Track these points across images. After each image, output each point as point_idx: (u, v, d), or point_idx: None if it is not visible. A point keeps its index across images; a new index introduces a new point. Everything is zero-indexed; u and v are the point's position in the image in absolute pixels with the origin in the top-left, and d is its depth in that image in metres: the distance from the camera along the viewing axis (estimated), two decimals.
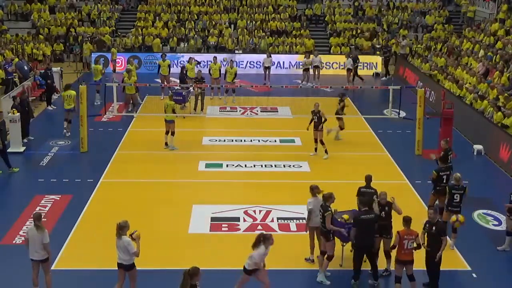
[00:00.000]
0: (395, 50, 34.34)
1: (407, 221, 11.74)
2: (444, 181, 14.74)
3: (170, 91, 25.08)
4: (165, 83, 26.97)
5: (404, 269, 11.79)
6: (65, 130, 21.93)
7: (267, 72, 30.26)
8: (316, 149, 19.77)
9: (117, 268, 11.40)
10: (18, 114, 19.95)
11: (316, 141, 19.65)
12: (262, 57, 32.28)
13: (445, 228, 12.05)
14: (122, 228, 11.15)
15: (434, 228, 11.88)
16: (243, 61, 33.27)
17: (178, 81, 26.86)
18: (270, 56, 30.85)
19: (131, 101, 24.77)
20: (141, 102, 26.42)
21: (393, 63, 33.81)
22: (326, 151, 19.60)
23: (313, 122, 19.47)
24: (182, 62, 31.83)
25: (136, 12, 38.26)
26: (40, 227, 11.32)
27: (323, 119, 19.34)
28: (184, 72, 26.16)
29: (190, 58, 28.21)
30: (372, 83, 31.73)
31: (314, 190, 12.86)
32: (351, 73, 30.11)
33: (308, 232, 13.09)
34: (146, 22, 36.57)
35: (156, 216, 15.28)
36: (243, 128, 23.06)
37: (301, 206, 15.34)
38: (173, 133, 20.22)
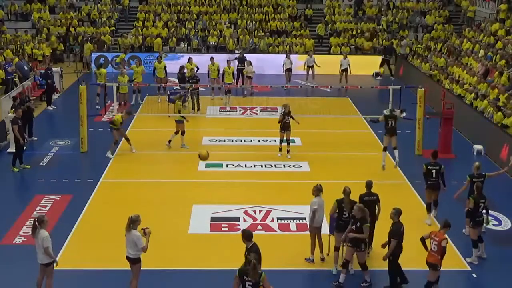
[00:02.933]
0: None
1: (445, 225, 11.67)
2: (434, 176, 14.86)
3: (168, 91, 25.15)
4: (162, 84, 26.75)
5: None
6: (97, 104, 24.71)
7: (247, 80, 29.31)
8: (280, 149, 19.93)
9: (119, 268, 11.38)
10: None
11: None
12: (262, 57, 32.30)
13: (397, 231, 11.87)
14: (134, 222, 11.20)
15: (390, 228, 11.94)
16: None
17: (177, 80, 26.82)
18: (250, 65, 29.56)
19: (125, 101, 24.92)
20: (141, 102, 26.41)
21: (393, 63, 33.82)
22: (288, 151, 19.78)
23: (283, 123, 19.55)
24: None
25: (136, 12, 38.28)
26: (38, 232, 11.14)
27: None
28: (183, 71, 26.14)
29: (189, 58, 28.15)
30: (372, 83, 31.76)
31: (320, 190, 12.92)
32: (313, 71, 30.27)
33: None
34: (147, 22, 36.65)
35: (156, 216, 15.25)
36: (243, 128, 23.07)
37: (301, 206, 15.39)
38: (183, 133, 20.33)
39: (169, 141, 20.46)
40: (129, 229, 11.16)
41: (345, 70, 30.27)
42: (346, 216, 12.53)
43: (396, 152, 18.24)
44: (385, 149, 18.55)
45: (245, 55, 29.92)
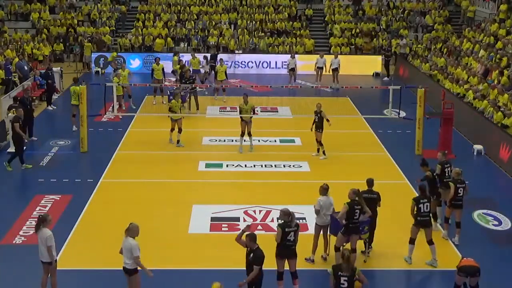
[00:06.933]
0: (395, 50, 34.39)
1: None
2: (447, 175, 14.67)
3: (168, 91, 25.12)
4: (161, 84, 26.62)
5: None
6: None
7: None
8: (318, 150, 19.78)
9: (119, 268, 11.33)
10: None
11: (317, 141, 19.67)
12: (262, 57, 32.26)
13: (261, 258, 10.94)
14: (129, 230, 10.92)
15: (251, 255, 10.98)
16: (244, 61, 33.30)
17: (174, 79, 26.85)
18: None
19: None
20: (134, 107, 25.96)
21: (393, 63, 33.83)
22: (323, 152, 19.62)
23: (314, 123, 19.47)
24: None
25: (136, 12, 38.28)
26: (42, 229, 11.15)
27: (324, 120, 19.33)
28: (183, 72, 26.12)
29: (180, 60, 28.18)
30: (372, 83, 31.76)
31: (325, 190, 12.93)
32: (321, 73, 30.19)
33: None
34: (147, 22, 36.66)
35: (156, 216, 15.27)
36: None
37: (301, 206, 15.37)
38: (180, 130, 20.52)
39: (171, 139, 20.71)
40: (126, 236, 10.87)
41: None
42: (357, 218, 12.50)
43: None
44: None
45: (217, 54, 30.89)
